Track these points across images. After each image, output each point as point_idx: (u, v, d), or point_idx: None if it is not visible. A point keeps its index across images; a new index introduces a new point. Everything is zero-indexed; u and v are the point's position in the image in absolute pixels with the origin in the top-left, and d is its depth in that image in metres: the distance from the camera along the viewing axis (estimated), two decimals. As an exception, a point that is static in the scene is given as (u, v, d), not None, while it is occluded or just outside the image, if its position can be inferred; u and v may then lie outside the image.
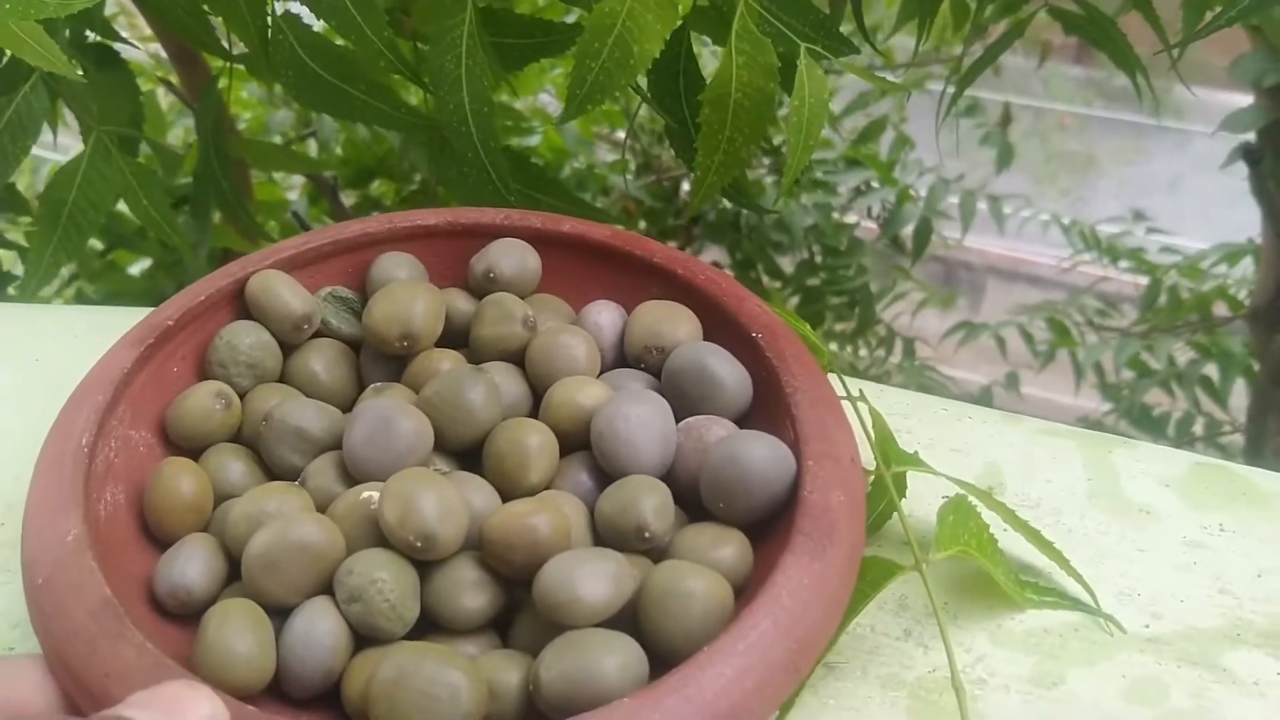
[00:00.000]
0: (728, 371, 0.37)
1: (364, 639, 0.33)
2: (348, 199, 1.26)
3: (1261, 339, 1.38)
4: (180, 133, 1.26)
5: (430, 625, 0.33)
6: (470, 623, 0.33)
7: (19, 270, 0.82)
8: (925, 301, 1.88)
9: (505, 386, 0.38)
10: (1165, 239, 1.71)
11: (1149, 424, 1.57)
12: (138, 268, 1.17)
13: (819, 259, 1.63)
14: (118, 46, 0.66)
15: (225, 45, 0.65)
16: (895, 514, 0.38)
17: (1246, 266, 1.54)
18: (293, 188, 1.34)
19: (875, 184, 1.64)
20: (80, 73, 0.50)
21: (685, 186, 1.63)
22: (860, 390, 0.40)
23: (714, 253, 1.63)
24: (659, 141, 1.62)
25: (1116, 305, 1.74)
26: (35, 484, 0.35)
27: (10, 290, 0.73)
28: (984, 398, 1.74)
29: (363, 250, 0.42)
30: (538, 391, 0.39)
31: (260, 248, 0.43)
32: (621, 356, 0.41)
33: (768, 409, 0.37)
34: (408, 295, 0.39)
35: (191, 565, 0.34)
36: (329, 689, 0.32)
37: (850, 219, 1.67)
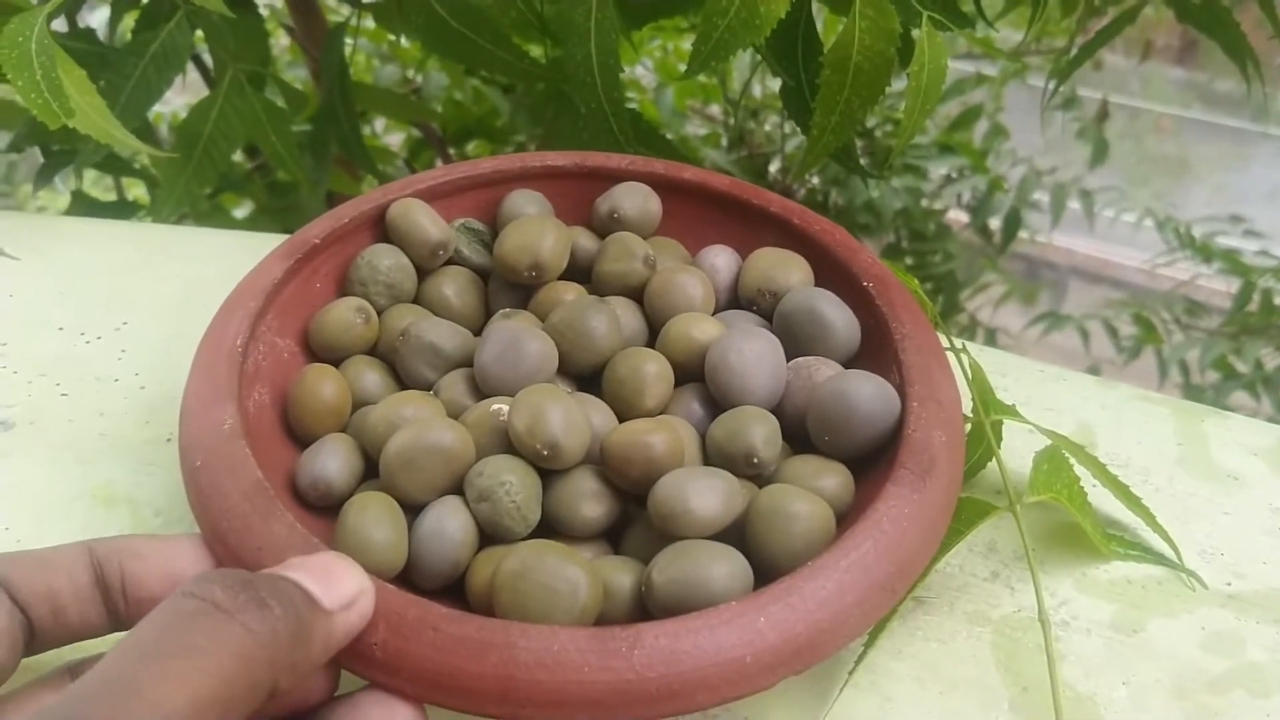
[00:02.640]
0: (837, 315, 0.39)
1: (489, 537, 0.35)
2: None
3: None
4: (292, 79, 1.30)
5: (550, 530, 0.36)
6: (588, 529, 0.36)
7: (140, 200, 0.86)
8: (1008, 294, 1.88)
9: (625, 318, 0.41)
10: (1262, 244, 1.69)
11: (1230, 427, 1.55)
12: (241, 211, 1.21)
13: (905, 243, 1.64)
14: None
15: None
16: (990, 461, 0.40)
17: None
18: (390, 142, 1.37)
19: (966, 172, 1.64)
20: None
21: (776, 164, 1.63)
22: (963, 344, 0.42)
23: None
24: (752, 116, 1.63)
25: (1204, 307, 1.72)
26: (192, 378, 0.37)
27: (137, 218, 0.76)
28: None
29: (495, 186, 0.45)
30: (654, 326, 0.41)
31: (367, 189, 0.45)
32: (735, 299, 0.43)
33: (875, 354, 0.39)
34: (537, 229, 0.42)
35: (332, 460, 0.37)
36: (455, 581, 0.35)
37: (939, 205, 1.66)
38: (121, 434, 0.44)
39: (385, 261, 0.42)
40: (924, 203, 1.62)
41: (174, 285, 0.52)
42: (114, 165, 0.77)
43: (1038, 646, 0.36)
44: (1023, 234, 1.58)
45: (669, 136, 0.59)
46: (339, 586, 0.29)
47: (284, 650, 0.26)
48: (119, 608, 0.31)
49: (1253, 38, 0.71)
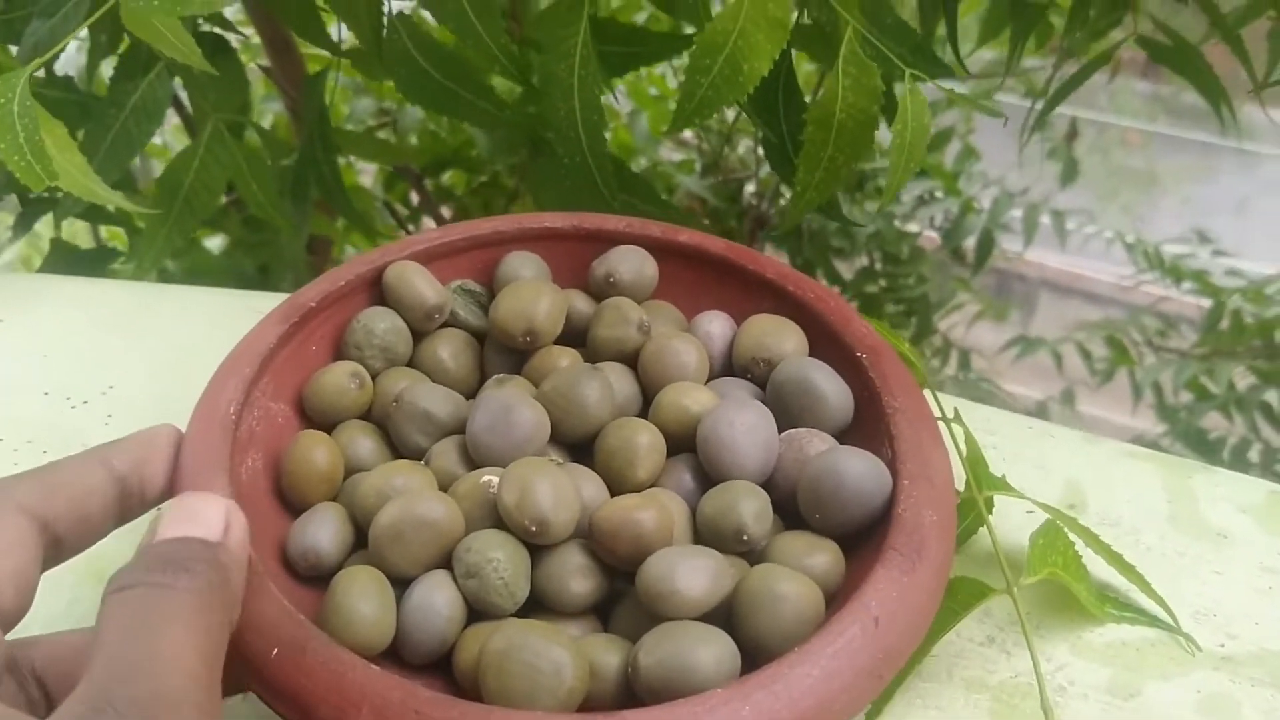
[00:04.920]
0: (831, 387, 0.39)
1: (477, 613, 0.35)
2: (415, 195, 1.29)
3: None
4: (269, 117, 1.30)
5: (537, 605, 0.36)
6: (575, 606, 0.35)
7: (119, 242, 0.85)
8: (981, 313, 1.89)
9: (618, 386, 0.41)
10: (1231, 262, 1.70)
11: (1204, 447, 1.57)
12: (214, 243, 1.21)
13: (879, 266, 1.64)
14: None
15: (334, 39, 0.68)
16: (981, 530, 0.40)
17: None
18: (364, 172, 1.37)
19: (939, 194, 1.65)
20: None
21: (750, 188, 1.64)
22: (955, 409, 0.42)
23: (776, 256, 1.64)
24: (726, 142, 1.64)
25: (1175, 325, 1.73)
26: (186, 447, 0.37)
27: (116, 265, 0.76)
28: (1040, 413, 1.75)
29: (492, 247, 0.45)
30: (648, 393, 0.41)
31: (348, 231, 0.45)
32: (729, 365, 0.43)
33: (867, 426, 0.39)
34: (533, 293, 0.42)
35: (323, 531, 0.36)
36: (442, 656, 0.35)
37: (912, 228, 1.67)
38: (108, 500, 0.44)
39: (381, 325, 0.42)
40: (897, 225, 1.63)
41: (160, 345, 0.51)
42: (93, 213, 0.76)
43: (1036, 713, 0.36)
44: (995, 252, 1.59)
45: (642, 166, 0.59)
46: (211, 520, 0.31)
47: (220, 591, 0.29)
48: (133, 507, 0.34)
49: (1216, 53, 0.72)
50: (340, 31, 0.67)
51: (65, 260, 0.73)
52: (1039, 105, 0.74)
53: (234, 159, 0.63)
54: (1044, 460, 0.45)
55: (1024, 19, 0.61)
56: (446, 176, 1.38)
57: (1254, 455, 1.57)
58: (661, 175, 1.55)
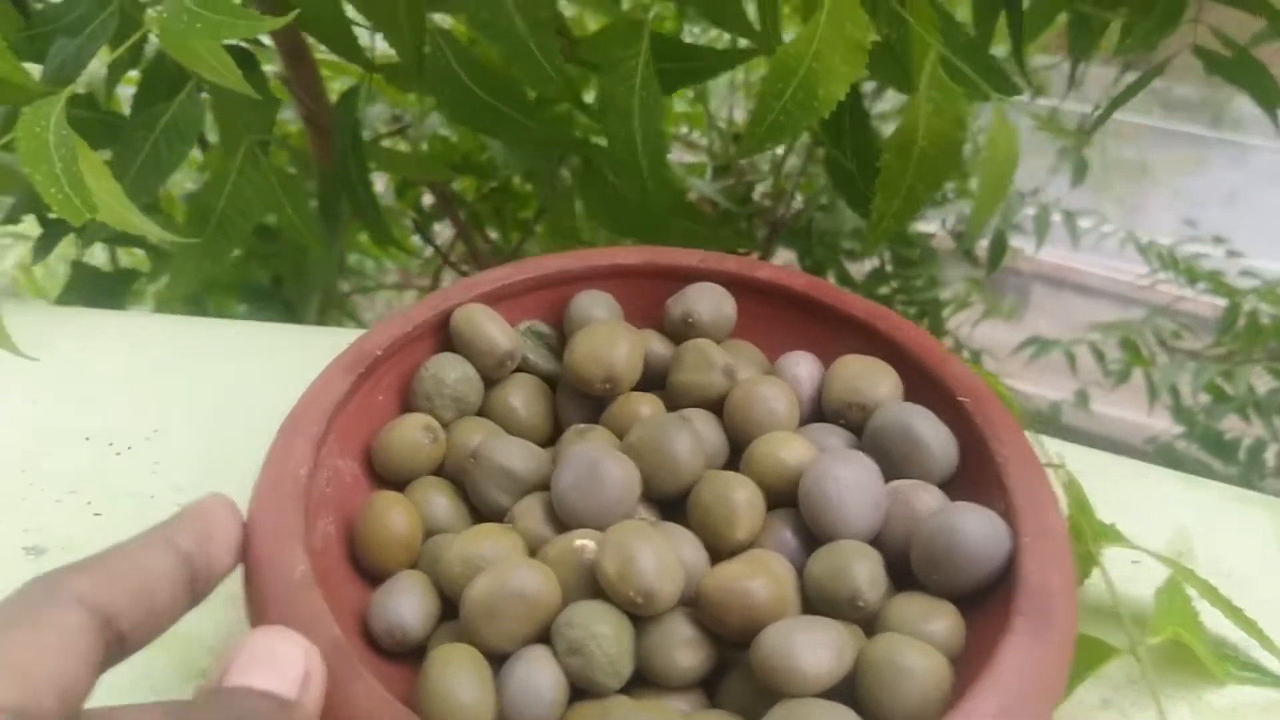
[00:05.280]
0: (935, 435, 0.37)
1: (578, 690, 0.33)
2: (427, 196, 1.27)
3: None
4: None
5: (641, 679, 0.33)
6: (682, 680, 0.33)
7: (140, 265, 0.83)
8: (988, 312, 1.87)
9: (706, 435, 0.38)
10: (1247, 262, 1.69)
11: (1221, 449, 1.56)
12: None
13: (890, 268, 1.63)
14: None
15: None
16: (1089, 579, 0.38)
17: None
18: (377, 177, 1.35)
19: (950, 195, 1.63)
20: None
21: (760, 188, 1.62)
22: (1059, 454, 0.40)
23: (785, 256, 1.62)
24: (734, 140, 1.62)
25: (1187, 325, 1.72)
26: (254, 513, 0.35)
27: (141, 284, 0.74)
28: (1053, 413, 1.74)
29: (559, 286, 0.43)
30: (735, 441, 0.39)
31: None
32: (818, 410, 0.41)
33: (973, 476, 0.37)
34: (610, 337, 0.39)
35: (406, 605, 0.34)
36: (544, 738, 0.32)
37: (922, 228, 1.66)
38: (162, 558, 0.41)
39: (452, 374, 0.39)
40: (909, 226, 1.61)
41: (204, 385, 0.49)
42: (117, 237, 0.74)
43: (1159, 786, 0.34)
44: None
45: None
46: (290, 671, 0.28)
47: None
48: (201, 590, 0.31)
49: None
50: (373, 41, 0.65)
51: (88, 284, 0.70)
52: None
53: (268, 181, 0.61)
54: (1145, 505, 0.43)
55: (1083, 32, 0.59)
56: (456, 183, 1.36)
57: (1270, 457, 1.56)
58: (674, 179, 1.52)
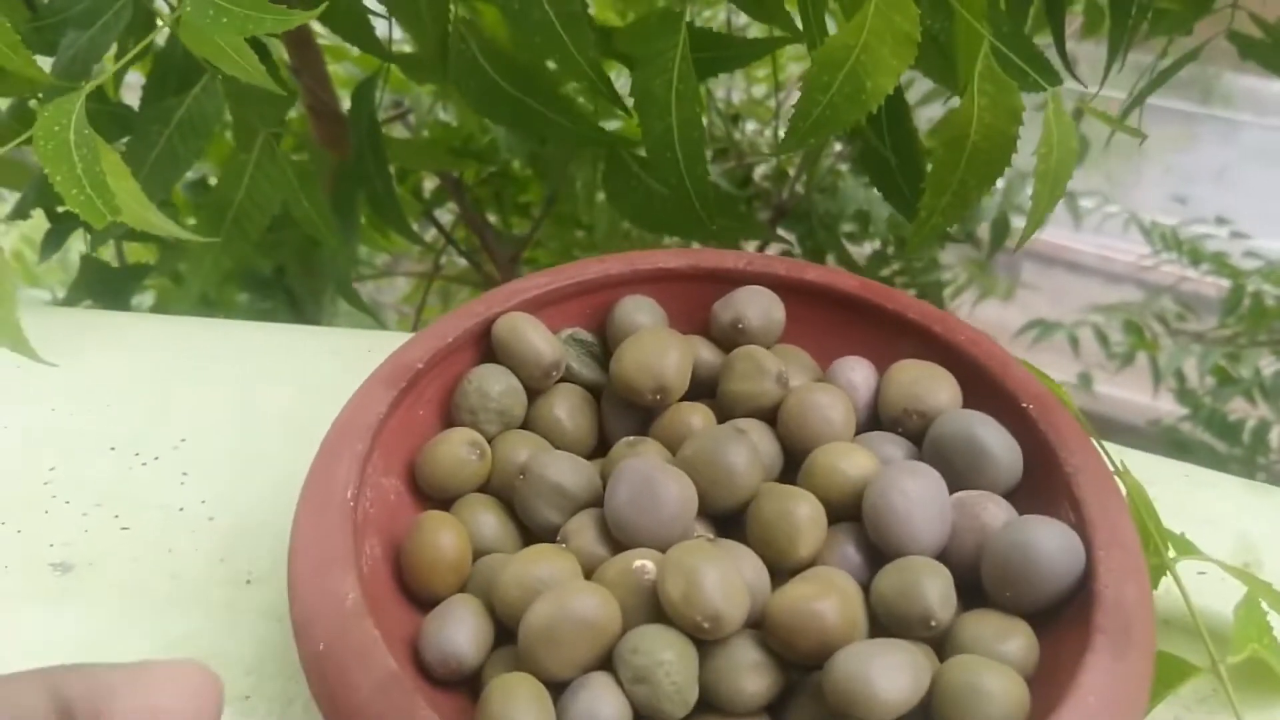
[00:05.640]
0: (1000, 444, 0.36)
1: (642, 718, 0.31)
2: (429, 181, 1.25)
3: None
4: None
5: (705, 705, 0.32)
6: (749, 706, 0.32)
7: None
8: (986, 293, 1.86)
9: (761, 447, 0.37)
10: (1251, 243, 1.68)
11: (1225, 431, 1.55)
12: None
13: (892, 250, 1.61)
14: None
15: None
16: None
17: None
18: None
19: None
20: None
21: (761, 169, 1.60)
22: (1121, 462, 0.39)
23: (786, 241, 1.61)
24: (733, 122, 1.60)
25: (1169, 295, 1.71)
26: (299, 537, 0.33)
27: (150, 279, 0.72)
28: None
29: (602, 291, 0.41)
30: (790, 451, 0.38)
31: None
32: (874, 418, 0.39)
33: (1040, 487, 0.36)
34: (659, 346, 0.38)
35: (461, 632, 0.33)
36: (607, 770, 0.31)
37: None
38: (195, 575, 0.40)
39: (496, 387, 0.38)
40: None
41: (229, 392, 0.47)
42: (127, 233, 0.72)
43: (1238, 808, 0.33)
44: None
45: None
46: None
47: None
48: None
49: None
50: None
51: (97, 279, 0.69)
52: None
53: (284, 175, 0.59)
54: (1209, 513, 0.42)
55: (1124, 17, 0.57)
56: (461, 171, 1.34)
57: (1275, 439, 1.55)
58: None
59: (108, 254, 0.85)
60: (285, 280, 1.02)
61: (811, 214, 1.61)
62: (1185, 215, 1.78)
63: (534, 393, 0.39)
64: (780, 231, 1.64)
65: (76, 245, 0.80)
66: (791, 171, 1.52)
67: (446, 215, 1.25)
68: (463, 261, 1.27)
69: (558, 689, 0.32)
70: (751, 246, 1.37)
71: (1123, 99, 0.73)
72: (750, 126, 1.65)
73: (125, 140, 0.58)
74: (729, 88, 1.64)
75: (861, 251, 1.62)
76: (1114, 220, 1.81)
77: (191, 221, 0.77)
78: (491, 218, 1.27)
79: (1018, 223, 1.64)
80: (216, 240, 0.58)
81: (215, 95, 0.57)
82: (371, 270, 1.42)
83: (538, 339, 0.38)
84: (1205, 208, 1.76)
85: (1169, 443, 1.62)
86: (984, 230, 1.60)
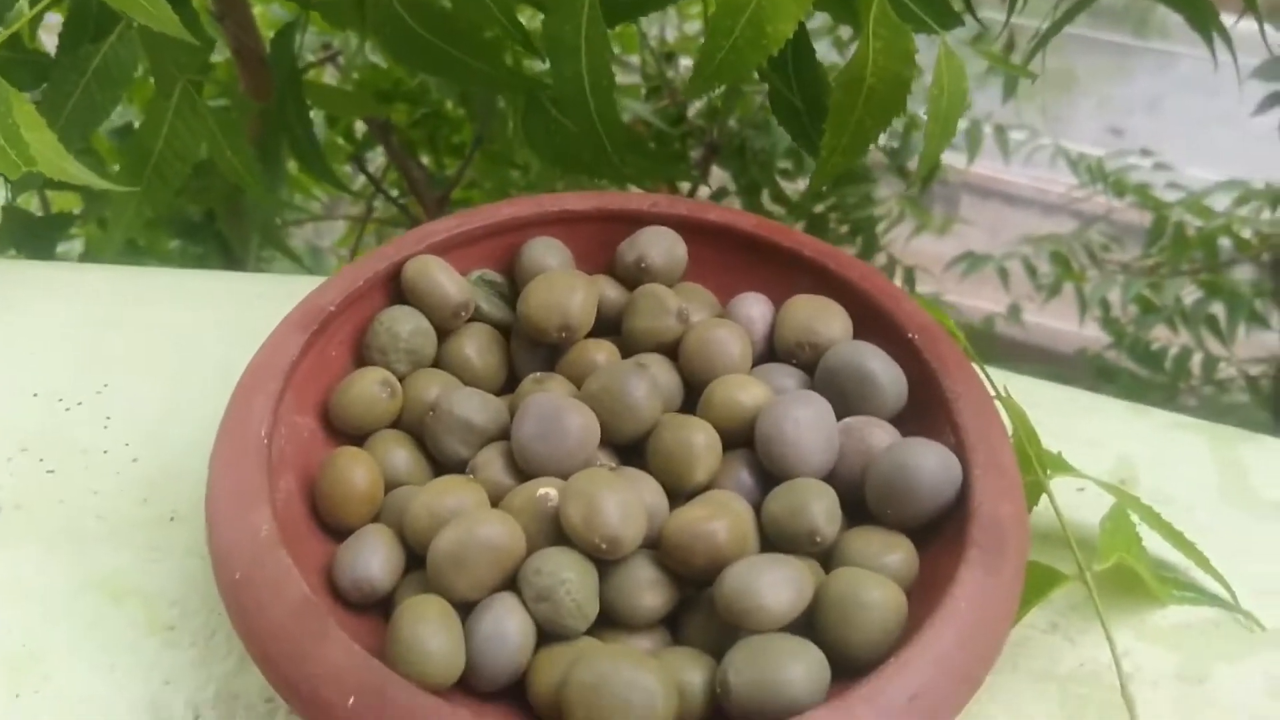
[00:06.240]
0: (886, 373, 0.38)
1: (547, 634, 0.33)
2: (363, 123, 1.25)
3: (1283, 290, 1.40)
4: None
5: (605, 620, 0.34)
6: (647, 620, 0.34)
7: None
8: (920, 228, 1.89)
9: (662, 380, 0.39)
10: (1172, 176, 1.71)
11: (1148, 359, 1.60)
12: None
13: (825, 187, 1.63)
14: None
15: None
16: (1035, 509, 0.39)
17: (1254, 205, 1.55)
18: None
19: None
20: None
21: (694, 109, 1.61)
22: (1005, 387, 0.41)
23: (721, 177, 1.62)
24: (667, 60, 1.60)
25: (1101, 225, 1.75)
26: (216, 474, 0.35)
27: (75, 227, 0.72)
28: (986, 327, 1.77)
29: (510, 233, 0.43)
30: (690, 384, 0.40)
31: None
32: (771, 351, 0.41)
33: (924, 411, 0.38)
34: (565, 285, 0.39)
35: (374, 559, 0.35)
36: (513, 682, 0.33)
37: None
38: (120, 515, 0.41)
39: (405, 327, 0.39)
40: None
41: (151, 336, 0.48)
42: (49, 182, 0.72)
43: (1106, 703, 0.36)
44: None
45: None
46: None
47: None
48: None
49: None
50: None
51: (21, 229, 0.69)
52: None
53: (205, 123, 0.60)
54: (1092, 434, 0.45)
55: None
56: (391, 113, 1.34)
57: (1195, 366, 1.60)
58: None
59: (33, 204, 0.85)
60: (216, 226, 1.02)
61: (745, 151, 1.62)
62: (1120, 146, 1.80)
63: (444, 332, 0.41)
64: (715, 169, 1.65)
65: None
66: (724, 109, 1.53)
67: (381, 158, 1.25)
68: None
69: (465, 609, 0.33)
70: (685, 188, 1.38)
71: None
72: (685, 63, 1.65)
73: (42, 89, 0.58)
74: (662, 24, 1.64)
75: (796, 188, 1.64)
76: (1045, 153, 1.84)
77: (115, 168, 0.77)
78: (426, 159, 1.27)
79: (948, 158, 1.67)
80: (135, 189, 0.58)
81: (131, 43, 0.57)
82: (306, 214, 1.42)
83: (446, 280, 0.40)
84: (1140, 139, 1.79)
85: (1094, 371, 1.66)
86: (915, 164, 1.63)
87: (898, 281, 1.70)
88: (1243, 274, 1.59)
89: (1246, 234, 1.58)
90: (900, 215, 1.78)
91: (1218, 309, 1.54)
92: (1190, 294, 1.59)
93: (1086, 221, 1.83)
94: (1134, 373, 1.63)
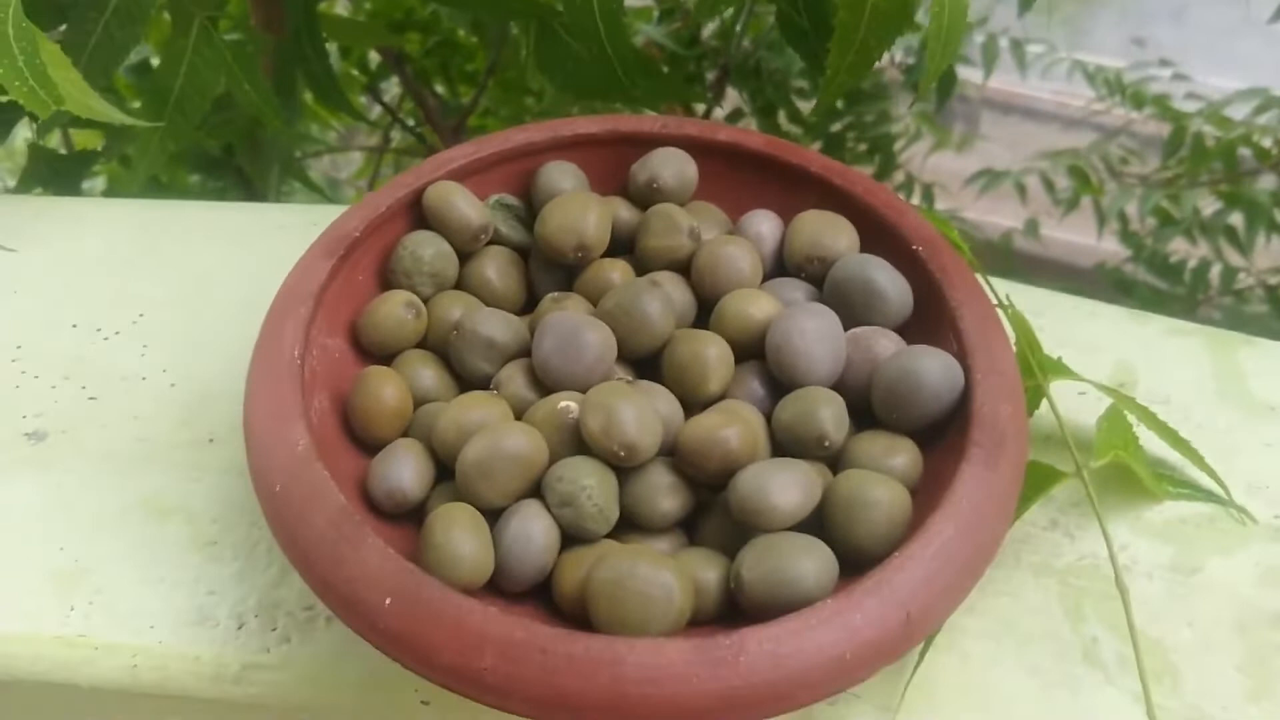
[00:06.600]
0: (892, 284, 0.39)
1: (570, 537, 0.35)
2: (373, 53, 1.25)
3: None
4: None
5: (626, 524, 0.36)
6: (664, 522, 0.36)
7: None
8: (939, 145, 1.88)
9: (675, 297, 0.40)
10: (1192, 86, 1.70)
11: (1166, 272, 1.60)
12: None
13: (841, 104, 1.62)
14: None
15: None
16: (1036, 414, 0.41)
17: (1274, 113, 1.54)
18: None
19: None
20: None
21: (708, 29, 1.60)
22: (1008, 296, 0.42)
23: (736, 99, 1.62)
24: (680, -15, 1.59)
25: (1121, 138, 1.73)
26: (252, 394, 0.37)
27: (96, 168, 0.74)
28: (1004, 242, 1.77)
29: (525, 158, 0.44)
30: (703, 300, 0.41)
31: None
32: (780, 265, 0.42)
33: (928, 320, 0.40)
34: (580, 207, 0.41)
35: (405, 470, 0.36)
36: (539, 583, 0.35)
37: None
38: (160, 438, 0.43)
39: (428, 251, 0.41)
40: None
41: (183, 268, 0.50)
42: (72, 120, 0.73)
43: (1103, 594, 0.38)
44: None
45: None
46: None
47: None
48: None
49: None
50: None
51: (46, 167, 0.70)
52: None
53: (222, 58, 0.61)
54: (1093, 340, 0.46)
55: None
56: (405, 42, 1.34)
57: (1214, 278, 1.60)
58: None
59: (55, 142, 0.87)
60: (235, 160, 1.03)
61: (760, 72, 1.62)
62: (1142, 57, 1.78)
63: (465, 255, 0.42)
64: (731, 91, 1.64)
65: (23, 134, 0.82)
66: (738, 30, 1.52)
67: (396, 89, 1.26)
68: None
69: (493, 516, 0.35)
70: (702, 110, 1.38)
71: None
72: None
73: (62, 29, 0.59)
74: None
75: (812, 107, 1.63)
76: (1063, 66, 1.82)
77: (136, 105, 0.78)
78: (440, 88, 1.28)
79: (965, 73, 1.66)
80: (160, 124, 0.60)
81: (150, -21, 0.58)
82: (323, 146, 1.43)
83: (465, 205, 0.41)
84: (1163, 48, 1.77)
85: (1113, 284, 1.66)
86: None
87: (915, 199, 1.70)
88: (1264, 185, 1.58)
89: (1267, 143, 1.57)
90: (917, 133, 1.78)
91: (1236, 220, 1.53)
92: (1209, 205, 1.58)
93: (1107, 135, 1.82)
94: (1152, 285, 1.63)
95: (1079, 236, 1.92)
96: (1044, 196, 1.70)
